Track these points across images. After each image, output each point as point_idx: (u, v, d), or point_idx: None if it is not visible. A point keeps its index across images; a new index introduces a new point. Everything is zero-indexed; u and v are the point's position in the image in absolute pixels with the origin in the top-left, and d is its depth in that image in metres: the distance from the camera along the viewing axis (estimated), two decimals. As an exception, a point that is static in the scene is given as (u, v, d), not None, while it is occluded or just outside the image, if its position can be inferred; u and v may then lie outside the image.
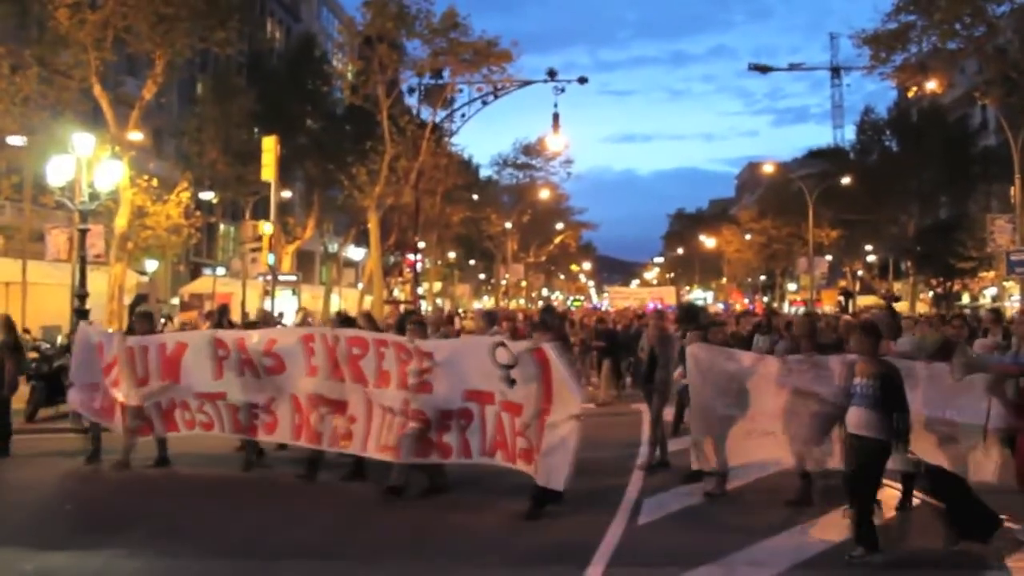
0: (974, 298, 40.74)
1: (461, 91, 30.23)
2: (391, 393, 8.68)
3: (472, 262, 67.25)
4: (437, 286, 55.27)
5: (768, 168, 53.93)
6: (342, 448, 9.10)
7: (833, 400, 7.71)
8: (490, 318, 12.16)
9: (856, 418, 6.75)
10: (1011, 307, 29.56)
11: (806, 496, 8.37)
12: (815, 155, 61.81)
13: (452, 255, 57.03)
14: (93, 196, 17.58)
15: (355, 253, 49.63)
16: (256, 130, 31.86)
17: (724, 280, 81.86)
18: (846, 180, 42.35)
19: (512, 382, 8.08)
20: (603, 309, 43.01)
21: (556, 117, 28.03)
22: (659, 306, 34.72)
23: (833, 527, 7.72)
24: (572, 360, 8.89)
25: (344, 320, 11.52)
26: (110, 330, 14.24)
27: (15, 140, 21.61)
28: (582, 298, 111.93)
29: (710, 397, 8.83)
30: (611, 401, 16.70)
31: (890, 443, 6.60)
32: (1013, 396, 7.20)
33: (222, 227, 44.60)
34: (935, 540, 6.99)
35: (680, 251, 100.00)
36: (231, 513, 8.39)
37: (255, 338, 9.69)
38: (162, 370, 9.89)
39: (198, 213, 29.47)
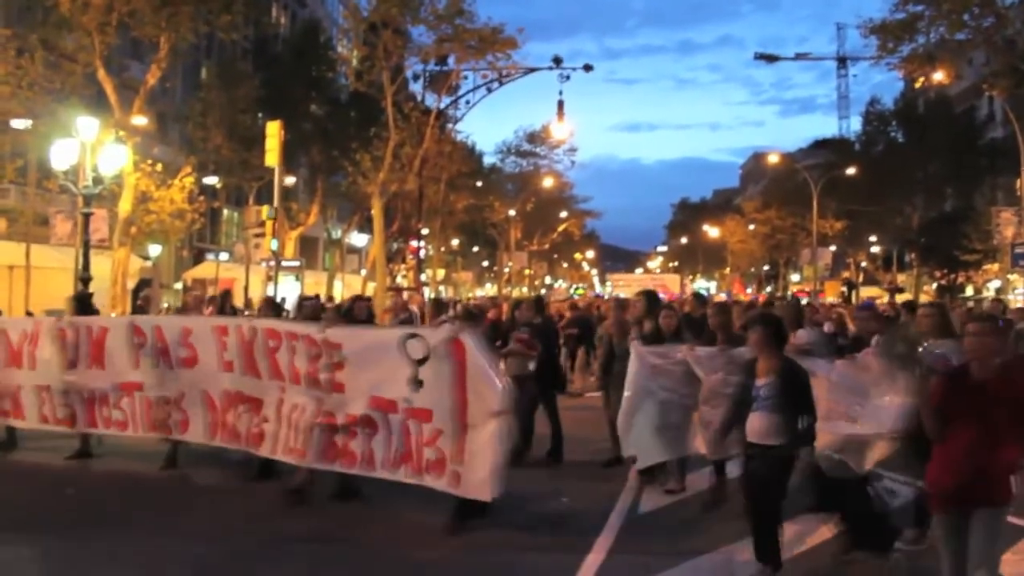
0: (978, 291, 40.67)
1: (466, 78, 30.14)
2: (303, 391, 7.90)
3: (475, 249, 67.22)
4: (440, 273, 55.26)
5: (773, 158, 53.79)
6: (254, 450, 8.39)
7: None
8: (439, 306, 11.95)
9: (757, 424, 5.90)
10: (1015, 300, 29.53)
11: (720, 493, 7.99)
12: (820, 145, 61.69)
13: (455, 242, 57.00)
14: (97, 180, 17.59)
15: (358, 239, 49.63)
16: (260, 115, 31.83)
17: (727, 270, 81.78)
18: (851, 171, 42.24)
19: (419, 384, 7.14)
20: (605, 297, 42.95)
21: (561, 105, 27.99)
22: (663, 296, 34.71)
23: (827, 520, 7.73)
24: (496, 351, 8.01)
25: (273, 306, 11.31)
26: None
27: (20, 123, 21.61)
28: (584, 286, 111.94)
29: (650, 395, 8.48)
30: (584, 391, 15.83)
31: (795, 451, 5.83)
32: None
33: (226, 212, 44.64)
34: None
35: (684, 240, 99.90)
36: (114, 515, 7.83)
37: (173, 325, 9.09)
38: (90, 354, 9.38)
39: (202, 198, 29.44)
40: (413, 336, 7.34)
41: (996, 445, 4.61)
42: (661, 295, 34.22)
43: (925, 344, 6.86)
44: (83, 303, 11.41)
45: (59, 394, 9.50)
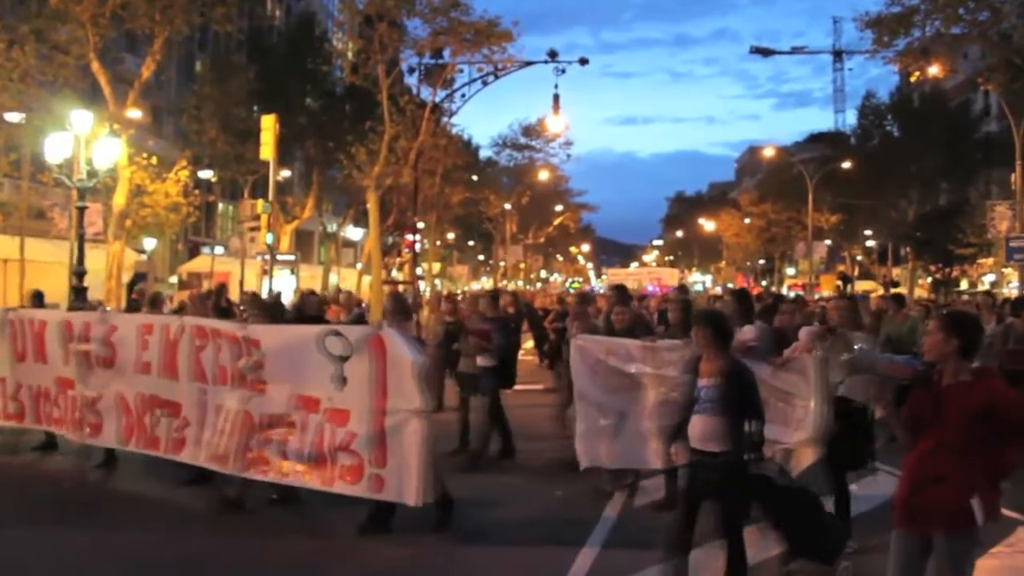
0: (973, 284, 40.78)
1: (461, 71, 30.05)
2: (227, 392, 7.52)
3: (471, 243, 67.18)
4: (436, 267, 55.23)
5: (769, 152, 53.86)
6: (175, 457, 7.98)
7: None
8: (397, 301, 11.61)
9: (699, 428, 5.51)
10: (1009, 293, 29.61)
11: (670, 498, 7.43)
12: (816, 139, 61.77)
13: (451, 236, 56.95)
14: (91, 174, 17.53)
15: (354, 233, 49.55)
16: (255, 108, 31.74)
17: (723, 263, 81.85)
18: (846, 165, 42.29)
19: (343, 381, 6.83)
20: (600, 292, 42.91)
21: (556, 98, 27.94)
22: (658, 289, 34.69)
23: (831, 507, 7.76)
24: (423, 347, 7.41)
25: (259, 303, 10.85)
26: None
27: (13, 116, 21.51)
28: (580, 280, 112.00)
29: (597, 393, 8.08)
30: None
31: (743, 458, 5.43)
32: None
33: (221, 206, 44.52)
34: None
35: (679, 234, 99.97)
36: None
37: (101, 322, 8.70)
38: (35, 348, 9.28)
39: (197, 191, 29.39)
40: (334, 333, 7.01)
41: (955, 460, 4.13)
42: (656, 289, 34.01)
43: (860, 346, 6.54)
44: (40, 299, 11.30)
45: (12, 386, 9.41)
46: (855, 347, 6.21)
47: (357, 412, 6.72)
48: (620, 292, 10.07)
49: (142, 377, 8.11)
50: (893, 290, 33.68)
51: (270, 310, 9.10)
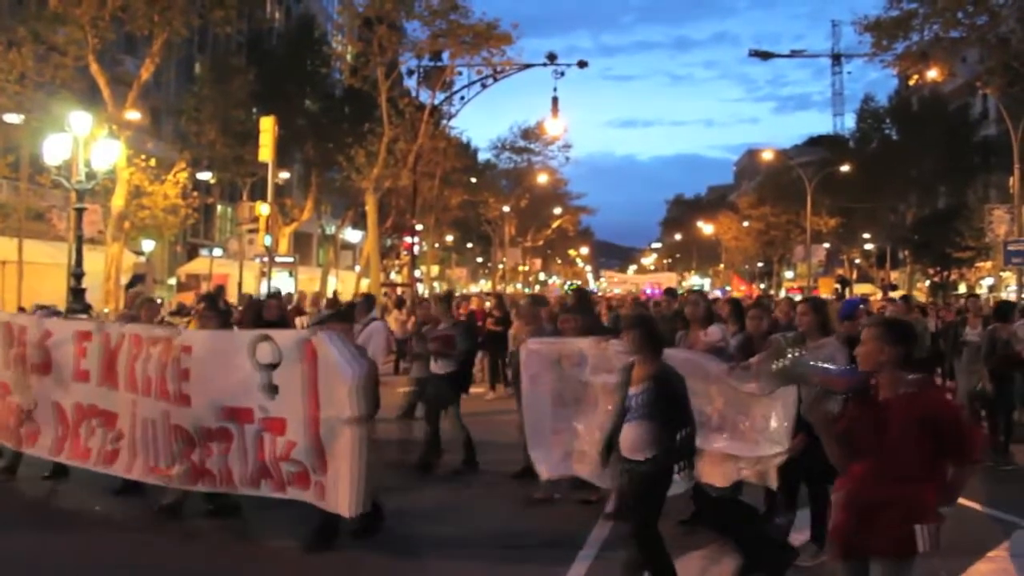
0: (971, 288, 40.80)
1: (460, 74, 30.13)
2: (151, 403, 7.14)
3: (470, 245, 67.20)
4: (434, 269, 55.25)
5: (767, 155, 53.86)
6: (106, 470, 7.56)
7: None
8: (367, 303, 11.00)
9: (628, 436, 5.30)
10: (1007, 297, 29.62)
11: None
12: (815, 142, 61.81)
13: (450, 238, 56.99)
14: (90, 175, 17.52)
15: (353, 235, 49.55)
16: (254, 111, 31.75)
17: (721, 267, 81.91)
18: (845, 168, 42.33)
19: (274, 390, 6.53)
20: (598, 294, 42.87)
21: (555, 101, 27.94)
22: (657, 292, 34.69)
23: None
24: (362, 355, 6.80)
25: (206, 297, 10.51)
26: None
27: (11, 118, 21.51)
28: (579, 283, 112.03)
29: (546, 403, 7.55)
30: None
31: (671, 466, 5.24)
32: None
33: (219, 208, 44.51)
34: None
35: (678, 237, 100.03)
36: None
37: (37, 327, 8.21)
38: None
39: (195, 193, 29.39)
40: (265, 338, 6.69)
41: (897, 483, 3.78)
42: (655, 292, 33.94)
43: (798, 352, 6.09)
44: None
45: None
46: (789, 354, 5.82)
47: (293, 421, 6.46)
48: (579, 297, 9.74)
49: (80, 385, 7.69)
50: (892, 293, 33.73)
51: (224, 312, 8.76)
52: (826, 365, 4.89)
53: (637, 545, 5.30)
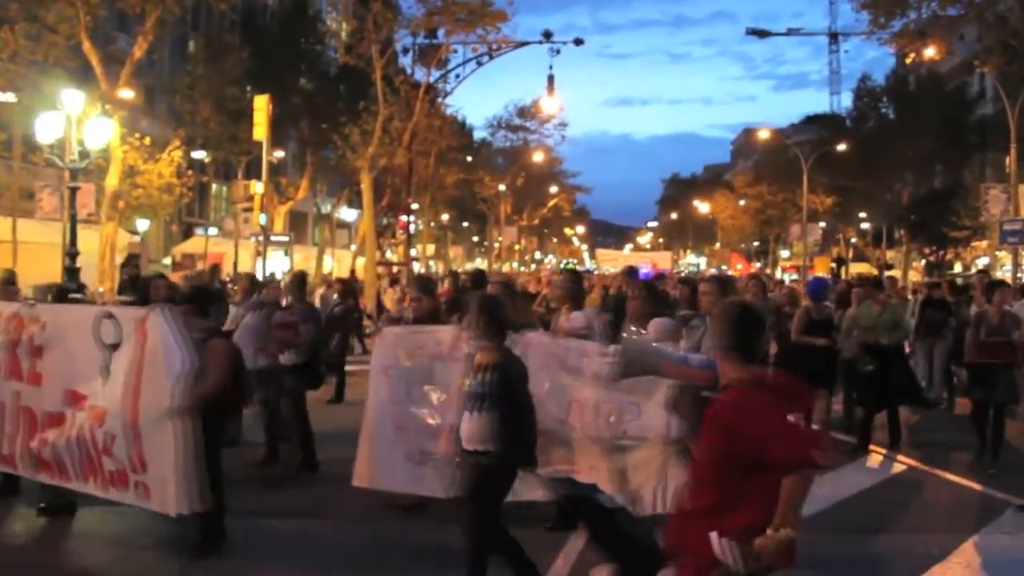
0: (966, 267, 40.87)
1: (456, 51, 29.94)
2: (2, 383, 6.66)
3: (465, 224, 67.09)
4: (430, 248, 55.16)
5: (764, 134, 53.69)
6: None
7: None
8: (250, 282, 9.90)
9: (467, 427, 5.03)
10: (1002, 276, 29.70)
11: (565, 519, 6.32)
12: (811, 121, 61.57)
13: (445, 217, 56.83)
14: (83, 154, 17.41)
15: (348, 214, 49.43)
16: (249, 89, 31.55)
17: (717, 245, 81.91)
18: (842, 147, 42.24)
19: (108, 375, 6.03)
20: (593, 273, 42.68)
21: (551, 79, 27.82)
22: (652, 272, 34.69)
23: (817, 493, 7.81)
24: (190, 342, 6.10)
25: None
26: None
27: (3, 96, 21.35)
28: (575, 261, 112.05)
29: (390, 399, 6.77)
30: None
31: (513, 460, 5.01)
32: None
33: (214, 187, 44.34)
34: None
35: (674, 216, 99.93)
36: None
37: None
38: None
39: (190, 172, 29.23)
40: (108, 316, 6.14)
41: (702, 489, 3.37)
42: (650, 271, 34.05)
43: (633, 339, 5.39)
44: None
45: None
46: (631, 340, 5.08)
47: (113, 410, 5.91)
48: (421, 281, 8.80)
49: None
50: (888, 272, 33.78)
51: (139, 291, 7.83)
52: (686, 354, 4.26)
53: (474, 542, 4.99)
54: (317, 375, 9.10)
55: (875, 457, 9.32)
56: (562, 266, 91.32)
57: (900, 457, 9.32)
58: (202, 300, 6.69)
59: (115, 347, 6.01)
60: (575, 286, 7.21)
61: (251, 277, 10.66)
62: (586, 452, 5.73)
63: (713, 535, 3.17)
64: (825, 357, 9.36)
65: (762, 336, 3.55)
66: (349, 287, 16.78)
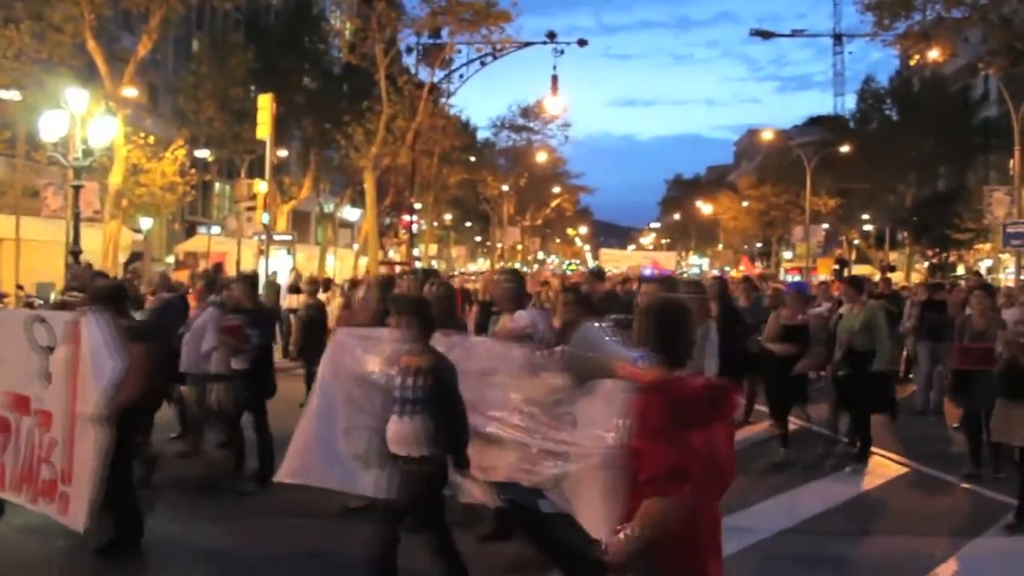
0: (969, 270, 40.84)
1: (460, 51, 29.94)
2: None
3: (468, 224, 67.10)
4: (433, 248, 55.18)
5: (767, 135, 53.67)
6: None
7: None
8: (208, 282, 9.21)
9: (394, 430, 4.90)
10: (1005, 279, 29.66)
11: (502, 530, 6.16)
12: (815, 123, 61.55)
13: (448, 217, 56.85)
14: (87, 152, 17.46)
15: (351, 214, 49.41)
16: (253, 88, 31.59)
17: (720, 247, 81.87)
18: (845, 149, 42.21)
19: (48, 377, 5.91)
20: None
21: (555, 79, 27.74)
22: (655, 272, 34.68)
23: (820, 494, 7.83)
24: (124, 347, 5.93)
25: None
26: None
27: (8, 94, 21.39)
28: (577, 262, 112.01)
29: (338, 400, 6.40)
30: None
31: (445, 463, 4.90)
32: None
33: (217, 185, 44.36)
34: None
35: (677, 217, 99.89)
36: None
37: None
38: None
39: (193, 171, 29.27)
40: (39, 320, 6.07)
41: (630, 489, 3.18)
42: (653, 272, 33.88)
43: (600, 334, 4.96)
44: None
45: None
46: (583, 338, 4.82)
47: (57, 415, 5.76)
48: (422, 276, 8.55)
49: None
50: (890, 274, 33.76)
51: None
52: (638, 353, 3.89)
53: (435, 549, 4.91)
54: (268, 384, 8.35)
55: (876, 459, 9.32)
56: (565, 266, 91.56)
57: (902, 459, 9.32)
58: (121, 299, 6.41)
59: (50, 350, 5.90)
60: (517, 286, 6.98)
61: (209, 277, 10.02)
62: (523, 456, 5.42)
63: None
64: (789, 366, 9.09)
65: (687, 335, 3.34)
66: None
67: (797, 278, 43.87)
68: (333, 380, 6.42)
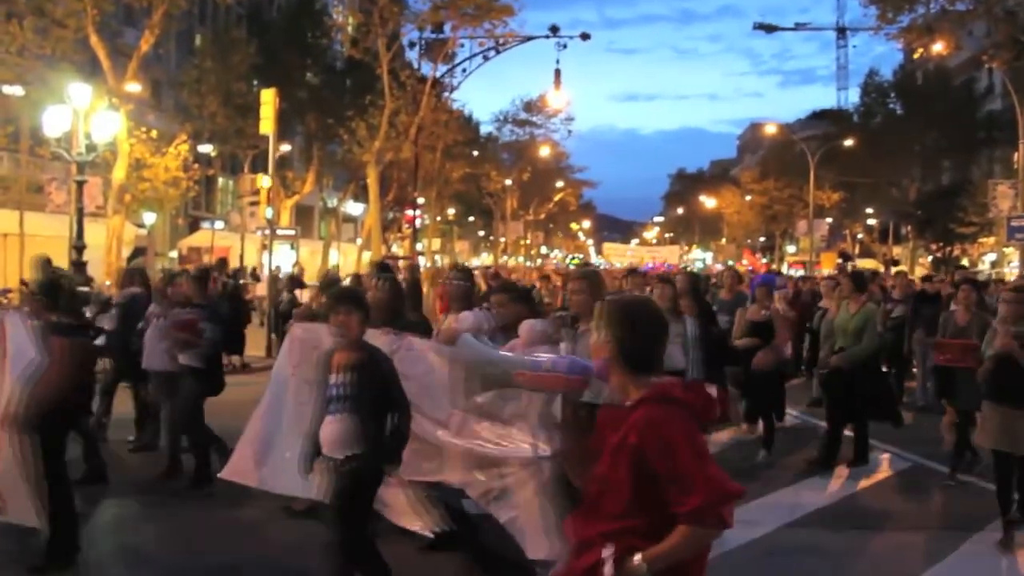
0: (973, 264, 40.78)
1: (462, 46, 29.90)
2: None
3: (471, 219, 67.10)
4: (436, 243, 55.20)
5: (770, 129, 53.57)
6: None
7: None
8: (131, 276, 9.33)
9: (328, 431, 4.62)
10: (1010, 273, 29.61)
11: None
12: (818, 116, 61.45)
13: (451, 212, 56.85)
14: (90, 148, 17.49)
15: (354, 208, 49.43)
16: (255, 83, 31.59)
17: (723, 241, 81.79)
18: (849, 142, 42.14)
19: None
20: (601, 268, 42.57)
21: (558, 73, 27.68)
22: (658, 266, 34.66)
23: (822, 489, 7.84)
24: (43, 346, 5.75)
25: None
26: None
27: (11, 90, 21.42)
28: (581, 256, 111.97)
29: (288, 396, 6.14)
30: None
31: (380, 463, 4.66)
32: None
33: (221, 180, 44.42)
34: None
35: (680, 211, 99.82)
36: None
37: None
38: None
39: (196, 166, 29.32)
40: None
41: (599, 519, 2.76)
42: (655, 266, 33.81)
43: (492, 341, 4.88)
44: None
45: None
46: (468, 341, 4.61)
47: None
48: (381, 268, 8.38)
49: None
50: (894, 268, 33.70)
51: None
52: (543, 357, 3.60)
53: (343, 554, 4.58)
54: (217, 381, 8.09)
55: (879, 454, 9.32)
56: (568, 260, 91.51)
57: (904, 454, 9.32)
58: (55, 291, 6.14)
59: None
60: (466, 285, 6.73)
61: (170, 274, 9.78)
62: (456, 462, 5.32)
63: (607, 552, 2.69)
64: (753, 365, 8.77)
65: (663, 341, 2.91)
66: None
67: (801, 272, 43.81)
68: (281, 377, 6.21)
